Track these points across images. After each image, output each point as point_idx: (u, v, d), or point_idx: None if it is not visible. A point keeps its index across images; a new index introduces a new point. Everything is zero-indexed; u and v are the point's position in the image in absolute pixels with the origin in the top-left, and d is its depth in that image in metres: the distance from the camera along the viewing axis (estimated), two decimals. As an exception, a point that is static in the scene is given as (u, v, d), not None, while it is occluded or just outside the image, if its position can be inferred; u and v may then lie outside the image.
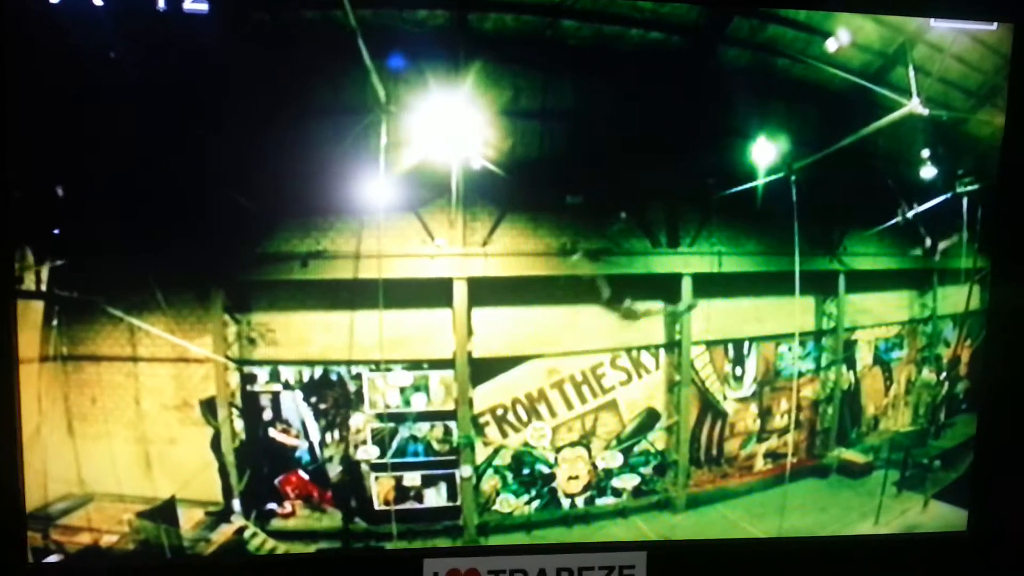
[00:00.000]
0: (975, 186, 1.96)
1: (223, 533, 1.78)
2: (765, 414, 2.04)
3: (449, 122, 1.72)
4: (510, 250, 1.82)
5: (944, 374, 2.09)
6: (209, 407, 1.75)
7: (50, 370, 1.67)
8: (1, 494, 1.62)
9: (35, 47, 1.55)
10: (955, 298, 2.04)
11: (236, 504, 1.78)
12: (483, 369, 1.86)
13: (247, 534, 1.79)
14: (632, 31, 1.78)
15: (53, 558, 1.70)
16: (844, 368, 2.09)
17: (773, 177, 1.87)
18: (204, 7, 1.59)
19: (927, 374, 2.10)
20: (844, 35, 1.84)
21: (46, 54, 1.56)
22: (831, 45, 1.85)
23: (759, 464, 2.05)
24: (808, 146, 1.88)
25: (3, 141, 1.55)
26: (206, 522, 1.78)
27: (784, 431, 2.05)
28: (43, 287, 1.64)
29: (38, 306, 1.64)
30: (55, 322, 1.66)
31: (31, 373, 1.64)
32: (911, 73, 1.89)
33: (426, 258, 1.79)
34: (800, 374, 2.05)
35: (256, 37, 1.64)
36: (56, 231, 1.62)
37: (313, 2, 1.63)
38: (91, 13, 1.55)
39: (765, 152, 1.86)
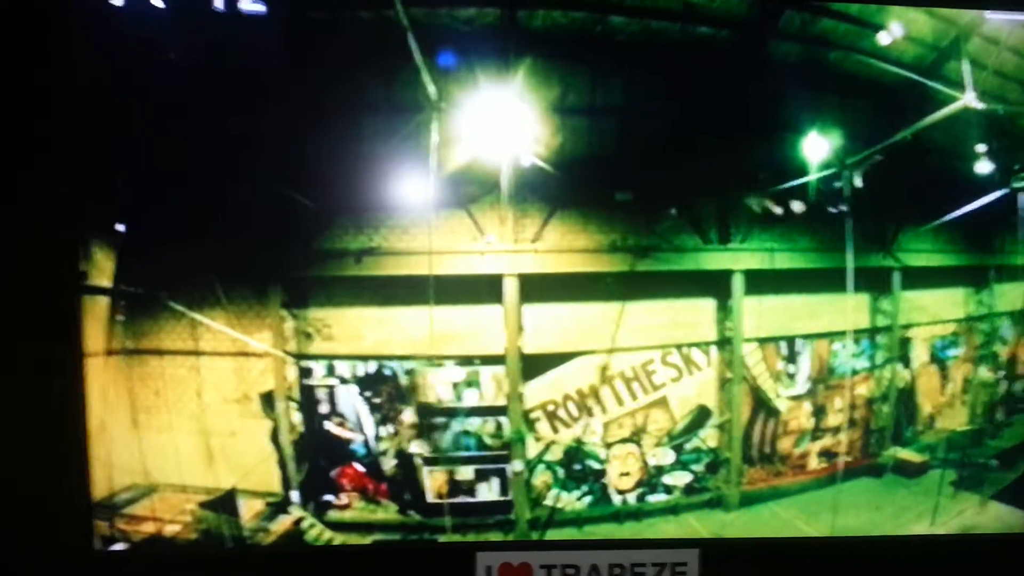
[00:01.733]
0: (1033, 181, 1.93)
1: (282, 524, 1.81)
2: (819, 412, 2.03)
3: (499, 119, 1.73)
4: (560, 246, 1.84)
5: (1002, 372, 2.05)
6: (268, 400, 1.80)
7: (115, 364, 1.72)
8: (69, 484, 1.67)
9: (101, 48, 1.61)
10: (1012, 295, 2.00)
11: (294, 495, 1.82)
12: (534, 365, 1.88)
13: (305, 524, 1.82)
14: (681, 26, 1.78)
15: (118, 546, 1.74)
16: (899, 366, 2.06)
17: (826, 173, 1.85)
18: (262, 8, 1.64)
19: (984, 372, 2.07)
20: (897, 28, 1.82)
21: (111, 55, 1.61)
22: (883, 39, 1.83)
23: (813, 462, 2.03)
24: (861, 141, 1.86)
25: (72, 142, 1.61)
26: (265, 512, 1.82)
27: (838, 429, 2.03)
28: (109, 283, 1.69)
29: (104, 301, 1.70)
30: (120, 317, 1.71)
31: (97, 367, 1.69)
32: (965, 66, 1.86)
33: (477, 254, 1.81)
34: (854, 372, 2.03)
35: (311, 37, 1.68)
36: (121, 228, 1.68)
37: (366, 2, 1.67)
38: (153, 15, 1.61)
39: (817, 147, 1.84)
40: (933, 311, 2.06)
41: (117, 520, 1.74)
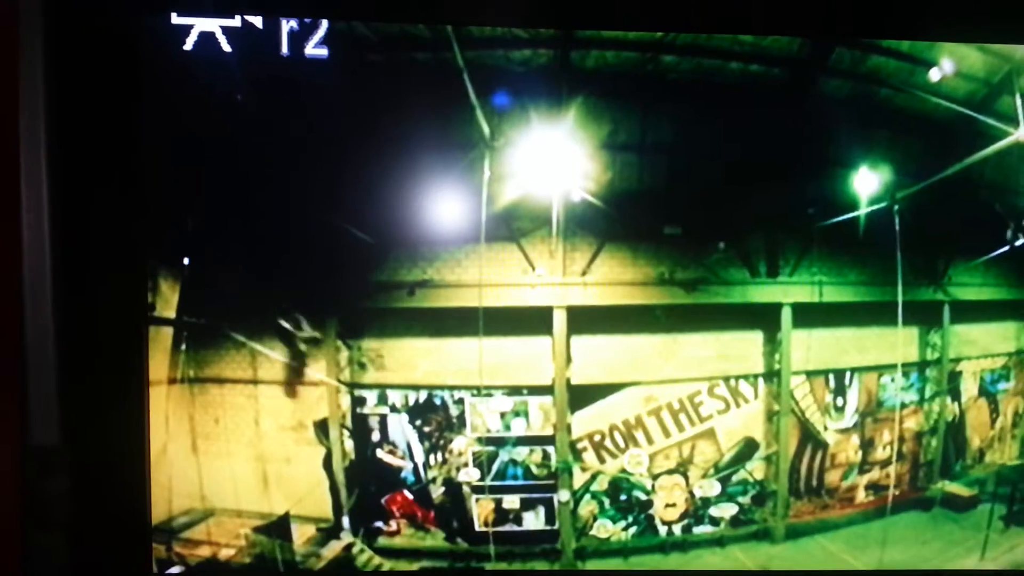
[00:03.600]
0: (1085, 216, 1.91)
1: (333, 549, 1.85)
2: (867, 445, 2.02)
3: (550, 156, 1.76)
4: (609, 279, 1.86)
5: (1054, 407, 2.03)
6: (322, 428, 1.84)
7: (177, 392, 1.77)
8: (130, 508, 1.72)
9: (172, 89, 1.67)
10: (1066, 330, 1.98)
11: (345, 521, 1.85)
12: (581, 396, 1.89)
13: (355, 550, 1.86)
14: (732, 64, 1.80)
15: (175, 569, 1.79)
16: (948, 399, 2.05)
17: (876, 207, 1.85)
18: (324, 52, 1.69)
19: (1036, 407, 2.05)
20: (948, 64, 1.82)
21: (181, 96, 1.68)
22: (934, 75, 1.83)
23: (860, 496, 2.02)
24: (911, 176, 1.86)
25: (142, 179, 1.67)
26: (317, 538, 1.85)
27: (886, 463, 2.02)
28: (173, 314, 1.75)
29: (168, 331, 1.76)
30: (183, 346, 1.77)
31: (160, 394, 1.75)
32: (1018, 101, 1.86)
33: (527, 287, 1.84)
34: (903, 405, 2.02)
35: (371, 78, 1.73)
36: (186, 261, 1.73)
37: (424, 45, 1.71)
38: (222, 59, 1.67)
39: (867, 182, 1.84)
40: (983, 345, 2.04)
41: (174, 544, 1.78)
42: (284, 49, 1.68)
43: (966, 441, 2.07)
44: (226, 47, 1.67)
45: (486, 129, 1.74)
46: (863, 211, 1.85)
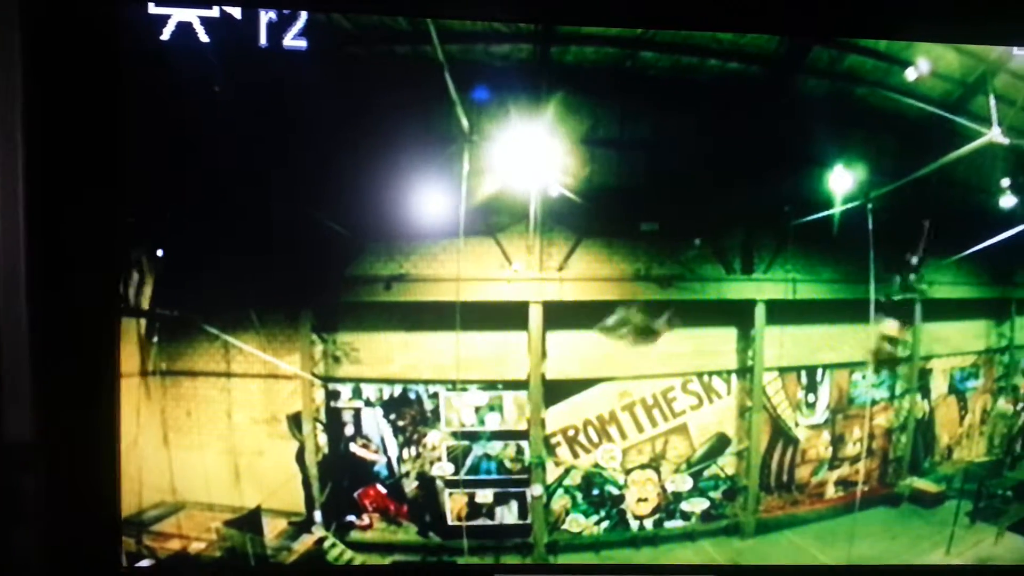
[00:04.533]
0: (1057, 215, 1.94)
1: (304, 543, 1.84)
2: (837, 441, 2.04)
3: (529, 151, 1.76)
4: (585, 275, 1.86)
5: (1021, 404, 2.06)
6: (295, 421, 1.83)
7: (149, 384, 1.75)
8: (100, 501, 1.70)
9: (147, 81, 1.65)
10: (1034, 329, 2.01)
11: (317, 515, 1.85)
12: (556, 391, 1.90)
13: (327, 545, 1.85)
14: (711, 61, 1.80)
15: (145, 562, 1.78)
16: (918, 397, 2.07)
17: (850, 205, 1.86)
18: (303, 44, 1.67)
19: (1003, 404, 2.07)
20: (924, 64, 1.83)
21: (157, 88, 1.65)
22: (910, 74, 1.84)
23: (830, 491, 2.04)
24: (886, 175, 1.87)
25: (118, 169, 1.65)
26: (289, 532, 1.84)
27: (856, 459, 2.04)
28: (145, 306, 1.73)
29: (140, 324, 1.74)
30: (155, 339, 1.75)
31: (131, 387, 1.73)
32: (992, 102, 1.87)
33: (503, 282, 1.83)
34: (873, 402, 2.04)
35: (350, 71, 1.71)
36: (160, 253, 1.71)
37: (403, 38, 1.70)
38: (199, 50, 1.64)
39: (842, 180, 1.86)
40: (953, 343, 2.07)
41: (144, 537, 1.77)
42: (263, 40, 1.67)
43: (935, 438, 2.09)
44: (204, 38, 1.65)
45: (465, 123, 1.73)
46: (837, 209, 1.86)
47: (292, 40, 1.67)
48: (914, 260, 1.95)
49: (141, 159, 1.67)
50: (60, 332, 1.64)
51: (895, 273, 1.96)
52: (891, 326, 1.99)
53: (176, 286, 1.74)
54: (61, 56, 1.60)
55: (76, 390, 1.67)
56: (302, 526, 1.85)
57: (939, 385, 2.08)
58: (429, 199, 1.76)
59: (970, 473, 2.08)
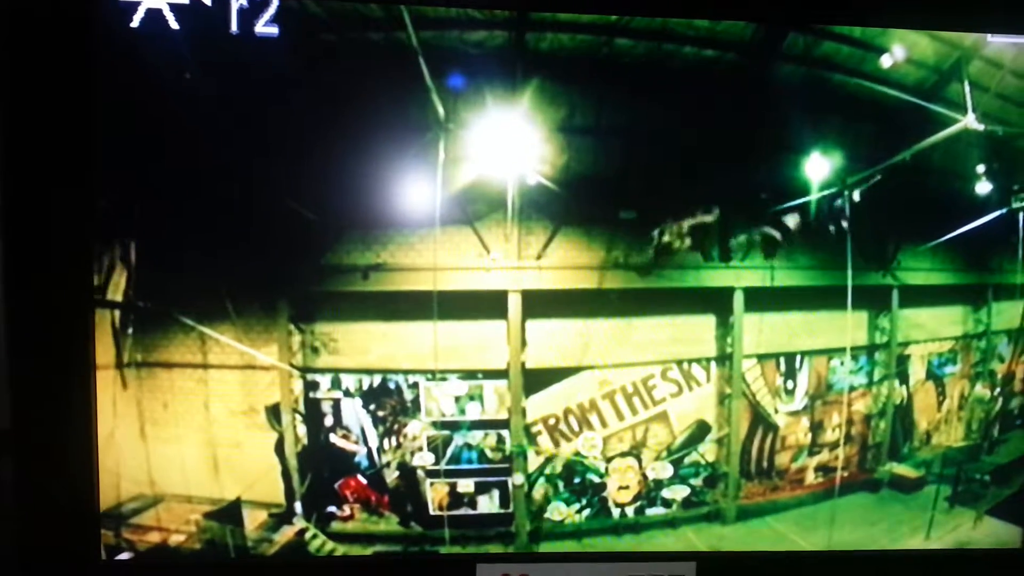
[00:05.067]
0: (1031, 201, 1.95)
1: (285, 534, 1.84)
2: (816, 428, 2.05)
3: (506, 138, 1.76)
4: (564, 263, 1.85)
5: (998, 389, 2.07)
6: (274, 413, 1.82)
7: (125, 376, 1.74)
8: (77, 494, 1.69)
9: (118, 69, 1.63)
10: (1010, 313, 2.02)
11: (298, 506, 1.84)
12: (536, 379, 1.90)
13: (308, 536, 1.85)
14: (686, 49, 1.81)
15: (124, 555, 1.77)
16: (896, 383, 2.08)
17: (827, 192, 1.87)
18: (275, 31, 1.66)
19: (981, 389, 2.09)
20: (899, 51, 1.84)
21: (128, 76, 1.64)
22: (886, 61, 1.85)
23: (810, 477, 2.05)
24: (862, 161, 1.88)
25: (88, 157, 1.63)
26: (269, 523, 1.84)
27: (836, 445, 2.05)
28: (119, 297, 1.71)
29: (115, 315, 1.72)
30: (130, 330, 1.74)
31: (107, 379, 1.72)
32: (966, 88, 1.89)
33: (481, 271, 1.83)
34: (852, 388, 2.05)
35: (322, 58, 1.70)
36: (133, 243, 1.70)
37: (377, 24, 1.69)
38: (169, 37, 1.63)
39: (819, 167, 1.86)
40: (931, 329, 2.08)
41: (123, 530, 1.76)
42: (233, 27, 1.65)
43: (913, 424, 2.11)
44: (174, 24, 1.63)
45: (441, 111, 1.73)
46: (815, 196, 1.87)
47: (264, 27, 1.66)
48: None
49: (112, 148, 1.65)
50: (33, 324, 1.63)
51: (872, 259, 1.97)
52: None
53: (150, 277, 1.72)
54: (29, 44, 1.59)
55: (51, 383, 1.66)
56: (283, 517, 1.84)
57: (917, 371, 2.09)
58: (405, 188, 1.76)
59: (949, 458, 2.10)
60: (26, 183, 1.62)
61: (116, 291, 1.71)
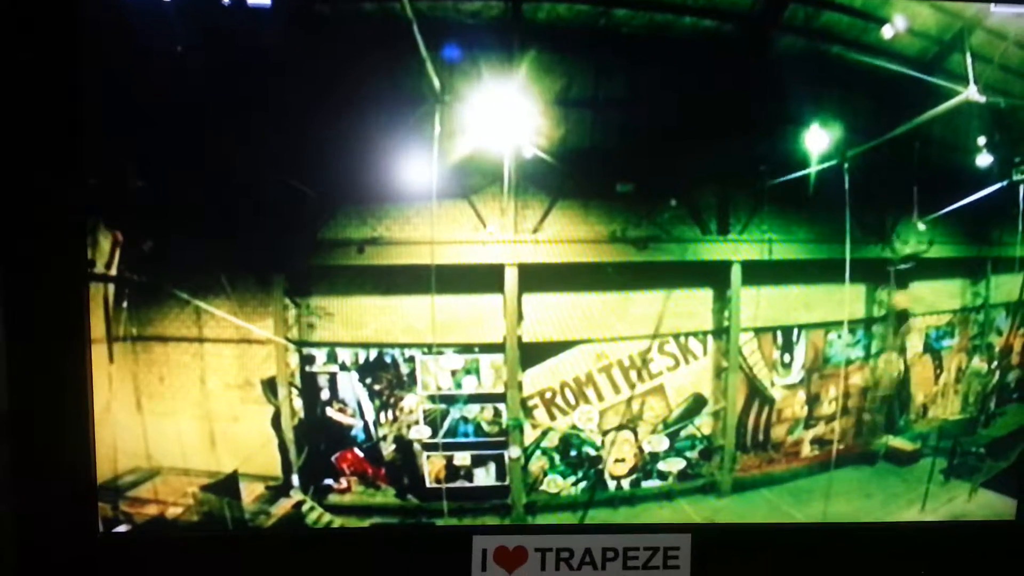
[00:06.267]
0: (1032, 174, 1.94)
1: (282, 507, 1.85)
2: (813, 401, 2.05)
3: (502, 111, 1.74)
4: (561, 237, 1.85)
5: (995, 363, 2.07)
6: (270, 386, 1.82)
7: (120, 350, 1.74)
8: (74, 467, 1.70)
9: (109, 40, 1.61)
10: (1009, 287, 2.02)
11: (295, 479, 1.85)
12: (532, 353, 1.90)
13: (305, 508, 1.86)
14: (685, 19, 1.78)
15: (121, 528, 1.78)
16: (894, 356, 2.08)
17: (826, 165, 1.86)
18: (267, 1, 1.64)
19: (978, 363, 2.09)
20: (900, 22, 1.82)
21: (119, 48, 1.62)
22: (887, 32, 1.83)
23: (805, 450, 2.06)
24: (862, 134, 1.87)
25: (80, 132, 1.62)
26: (266, 496, 1.85)
27: (831, 418, 2.05)
28: (114, 271, 1.71)
29: (109, 289, 1.72)
30: (125, 304, 1.73)
31: (102, 353, 1.72)
32: (968, 60, 1.87)
33: (478, 244, 1.82)
34: (849, 361, 2.05)
35: (316, 29, 1.68)
36: (127, 217, 1.69)
37: (371, -5, 1.67)
38: (160, 8, 1.61)
39: (818, 140, 1.85)
40: (929, 302, 2.08)
41: (120, 503, 1.77)
42: (225, -3, 1.63)
43: (910, 397, 2.11)
44: (164, -4, 1.62)
45: (436, 83, 1.71)
46: (814, 169, 1.86)
47: (256, -3, 1.64)
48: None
49: (105, 122, 1.64)
50: (27, 299, 1.63)
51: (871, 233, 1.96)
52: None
53: (145, 251, 1.72)
54: (17, 17, 1.56)
55: (47, 357, 1.66)
56: (280, 490, 1.85)
57: (915, 344, 2.08)
58: (401, 161, 1.74)
59: (945, 431, 2.11)
60: (17, 157, 1.61)
61: (111, 266, 1.71)
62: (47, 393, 1.67)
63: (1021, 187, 1.94)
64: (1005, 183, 1.94)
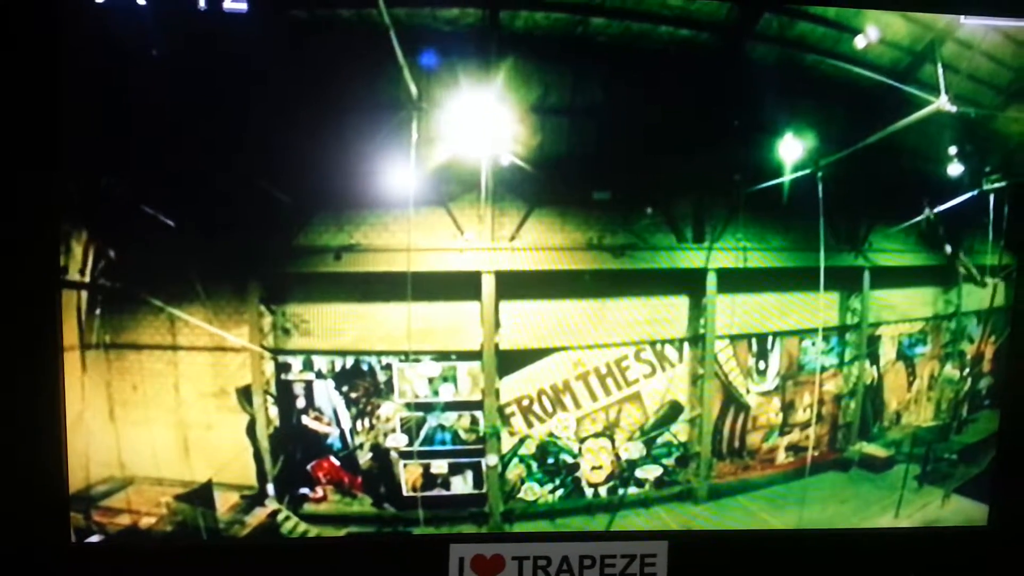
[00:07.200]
0: (1002, 183, 1.96)
1: (257, 516, 1.83)
2: (787, 408, 2.06)
3: (479, 118, 1.74)
4: (537, 244, 1.85)
5: (967, 370, 2.09)
6: (245, 395, 1.80)
7: (93, 358, 1.72)
8: (46, 476, 1.67)
9: (83, 45, 1.60)
10: (980, 295, 2.04)
11: (270, 488, 1.83)
12: (510, 361, 1.89)
13: (280, 517, 1.84)
14: (661, 28, 1.80)
15: (94, 538, 1.75)
16: (867, 363, 2.10)
17: (800, 173, 1.87)
18: (243, 7, 1.63)
19: (950, 370, 2.11)
20: (873, 32, 1.84)
21: (93, 53, 1.60)
22: (860, 42, 1.85)
23: (781, 457, 2.07)
24: (835, 143, 1.88)
25: (54, 137, 1.60)
26: (241, 505, 1.83)
27: (806, 425, 2.07)
28: (87, 277, 1.69)
29: (82, 296, 1.70)
30: (98, 311, 1.71)
31: (75, 360, 1.70)
32: (940, 70, 1.89)
33: (455, 252, 1.82)
34: (823, 369, 2.06)
35: (292, 35, 1.68)
36: (100, 223, 1.67)
37: (348, 1, 1.66)
38: (135, 13, 1.60)
39: (792, 148, 1.86)
40: (902, 310, 2.09)
41: (93, 512, 1.74)
42: (201, 3, 1.62)
43: (883, 404, 2.13)
44: (141, 0, 1.60)
45: (413, 90, 1.71)
46: (788, 177, 1.87)
47: (232, 2, 1.63)
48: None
49: (79, 127, 1.62)
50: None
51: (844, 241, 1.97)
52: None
53: (118, 257, 1.70)
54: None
55: (18, 365, 1.63)
56: (255, 499, 1.83)
57: (888, 352, 2.10)
58: (378, 168, 1.74)
59: (918, 438, 2.12)
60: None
61: (84, 272, 1.69)
62: (18, 401, 1.64)
63: (991, 196, 1.96)
64: (976, 192, 1.96)
